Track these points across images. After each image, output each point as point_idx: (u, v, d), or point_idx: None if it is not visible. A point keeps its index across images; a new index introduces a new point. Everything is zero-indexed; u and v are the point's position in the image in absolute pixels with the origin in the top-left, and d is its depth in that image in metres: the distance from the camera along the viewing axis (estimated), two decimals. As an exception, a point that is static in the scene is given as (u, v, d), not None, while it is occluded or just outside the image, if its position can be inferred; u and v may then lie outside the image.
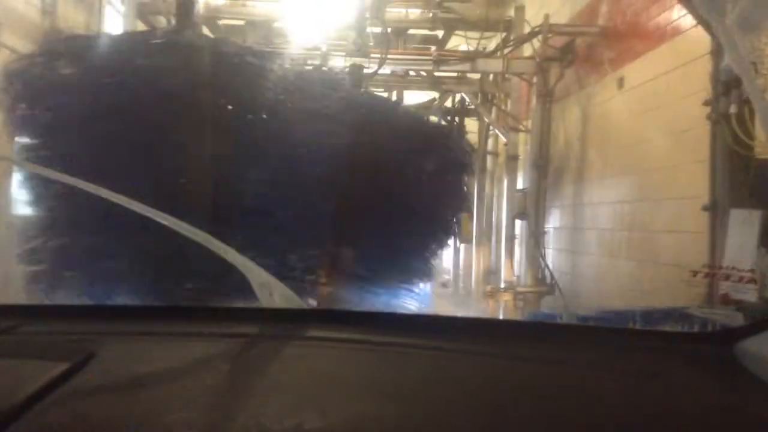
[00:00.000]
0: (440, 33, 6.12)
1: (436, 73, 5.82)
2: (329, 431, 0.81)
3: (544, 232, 5.40)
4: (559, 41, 5.27)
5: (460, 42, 6.37)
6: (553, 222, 5.60)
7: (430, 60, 5.46)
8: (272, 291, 1.32)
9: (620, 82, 4.54)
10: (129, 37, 3.10)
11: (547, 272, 5.19)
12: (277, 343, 1.13)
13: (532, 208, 5.24)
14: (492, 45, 5.91)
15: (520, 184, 5.91)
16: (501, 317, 5.25)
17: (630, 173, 4.37)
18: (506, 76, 5.66)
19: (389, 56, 5.03)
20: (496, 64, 5.45)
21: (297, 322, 1.23)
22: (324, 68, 4.11)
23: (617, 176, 4.57)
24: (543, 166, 5.26)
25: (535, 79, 5.38)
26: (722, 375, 1.03)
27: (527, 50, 5.64)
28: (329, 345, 1.12)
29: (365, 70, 4.34)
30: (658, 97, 3.96)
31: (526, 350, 1.10)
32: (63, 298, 2.17)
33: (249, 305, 1.37)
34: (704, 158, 3.28)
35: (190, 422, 0.82)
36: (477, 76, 6.08)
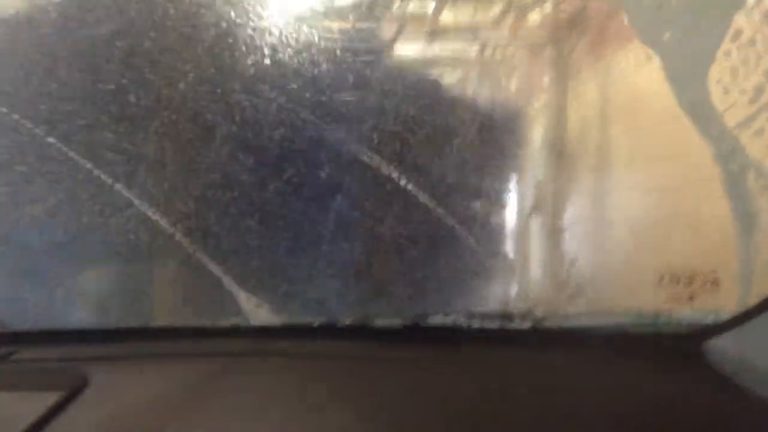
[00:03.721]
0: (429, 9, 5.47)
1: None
2: None
3: (563, 229, 4.74)
4: (574, 4, 4.61)
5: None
6: (572, 216, 4.94)
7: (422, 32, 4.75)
8: (261, 306, 1.32)
9: (651, 47, 3.91)
10: None
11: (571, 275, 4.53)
12: (270, 360, 1.15)
13: (548, 200, 4.56)
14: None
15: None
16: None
17: (669, 154, 3.73)
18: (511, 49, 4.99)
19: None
20: (500, 35, 4.74)
21: (288, 338, 1.25)
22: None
23: (652, 159, 3.93)
24: (560, 150, 4.57)
25: (547, 51, 4.69)
26: (691, 374, 1.06)
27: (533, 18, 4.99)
28: (324, 359, 1.15)
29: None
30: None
31: (501, 357, 1.15)
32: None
33: (240, 323, 1.33)
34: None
35: None
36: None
